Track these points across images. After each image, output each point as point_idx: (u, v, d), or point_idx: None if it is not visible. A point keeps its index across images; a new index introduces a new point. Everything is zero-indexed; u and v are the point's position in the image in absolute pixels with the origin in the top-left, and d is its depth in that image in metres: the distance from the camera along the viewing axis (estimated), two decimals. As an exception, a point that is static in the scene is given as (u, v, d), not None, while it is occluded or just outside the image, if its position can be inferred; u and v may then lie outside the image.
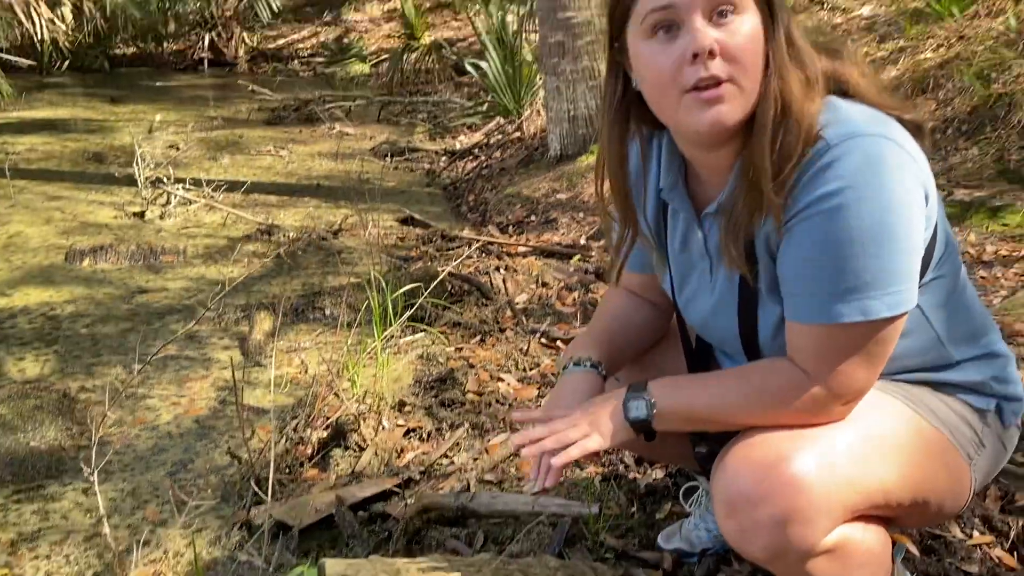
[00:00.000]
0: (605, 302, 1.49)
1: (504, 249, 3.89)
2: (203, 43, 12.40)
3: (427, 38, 10.67)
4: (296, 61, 12.92)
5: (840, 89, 1.12)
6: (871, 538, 1.14)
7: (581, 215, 4.35)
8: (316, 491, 2.10)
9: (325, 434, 2.37)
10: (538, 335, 2.84)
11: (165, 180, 5.01)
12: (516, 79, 6.35)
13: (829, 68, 1.12)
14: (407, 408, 2.46)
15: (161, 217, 4.80)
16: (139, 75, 11.73)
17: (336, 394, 2.50)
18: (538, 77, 6.10)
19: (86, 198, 5.22)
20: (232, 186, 5.20)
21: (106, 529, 1.82)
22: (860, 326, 1.05)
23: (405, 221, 4.76)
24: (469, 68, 7.50)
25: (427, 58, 10.06)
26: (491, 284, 3.36)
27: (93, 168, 6.14)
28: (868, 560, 1.14)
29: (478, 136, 6.89)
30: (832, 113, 1.06)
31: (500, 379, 2.57)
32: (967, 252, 2.97)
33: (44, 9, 10.12)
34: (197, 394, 2.78)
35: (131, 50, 12.79)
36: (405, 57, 10.03)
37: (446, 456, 2.22)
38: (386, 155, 6.71)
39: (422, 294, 2.82)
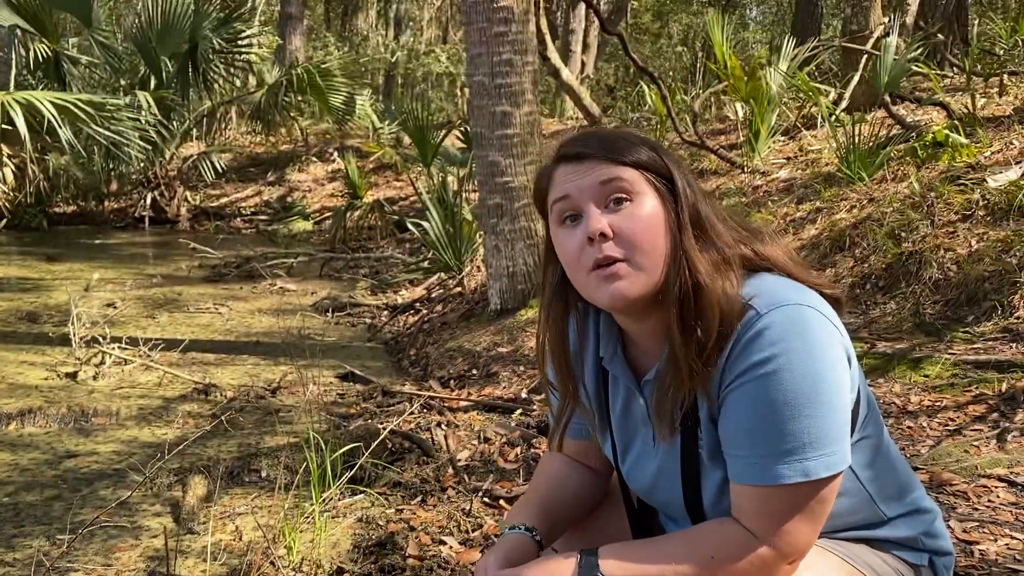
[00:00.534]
0: (541, 468, 1.49)
1: (446, 404, 3.88)
2: (145, 201, 12.45)
3: (370, 197, 11.01)
4: (238, 219, 13.10)
5: (764, 266, 1.20)
6: None
7: (522, 368, 4.39)
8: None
9: (260, 607, 2.27)
10: (480, 494, 2.81)
11: (100, 339, 4.92)
12: (457, 236, 6.54)
13: (751, 248, 1.21)
14: None
15: (95, 378, 4.69)
16: (78, 233, 11.72)
17: (272, 562, 2.41)
18: (478, 235, 6.28)
19: (16, 359, 5.08)
20: (169, 344, 5.13)
21: None
22: (802, 486, 1.09)
23: (345, 377, 4.73)
24: (410, 226, 7.72)
25: (370, 216, 10.32)
26: (432, 441, 3.34)
27: (25, 328, 6.01)
28: None
29: (420, 291, 7.00)
30: (759, 286, 1.15)
31: (442, 542, 2.52)
32: (893, 403, 3.08)
33: (-14, 173, 10.16)
34: (125, 565, 2.64)
35: (71, 208, 12.78)
36: (348, 215, 10.27)
37: (387, 627, 2.14)
38: (327, 310, 6.73)
39: (362, 454, 2.79)
